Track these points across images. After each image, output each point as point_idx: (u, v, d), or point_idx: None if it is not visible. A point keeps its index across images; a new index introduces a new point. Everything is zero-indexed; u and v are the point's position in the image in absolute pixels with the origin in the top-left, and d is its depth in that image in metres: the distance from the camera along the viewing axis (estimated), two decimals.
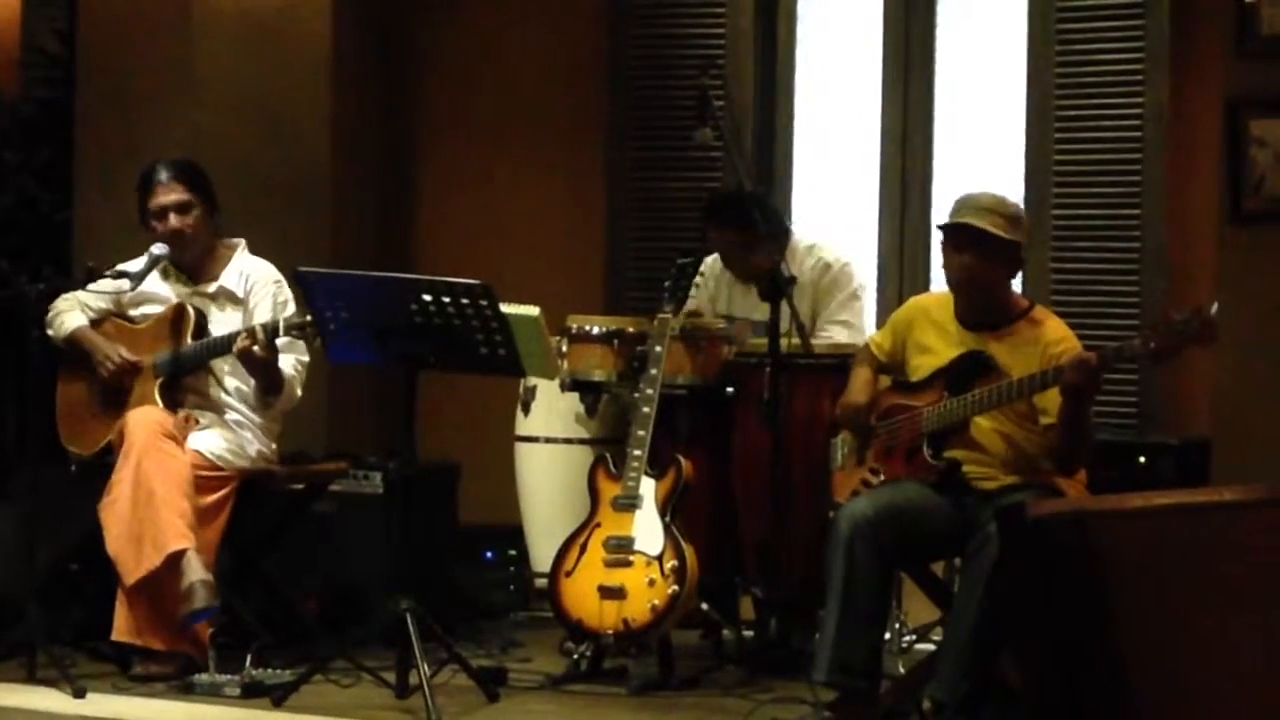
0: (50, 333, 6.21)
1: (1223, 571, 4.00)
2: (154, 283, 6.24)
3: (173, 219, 6.17)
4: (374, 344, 5.75)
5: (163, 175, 6.19)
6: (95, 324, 6.26)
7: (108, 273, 6.13)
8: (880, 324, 6.52)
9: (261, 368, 6.01)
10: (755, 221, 6.24)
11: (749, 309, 6.58)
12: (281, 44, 7.66)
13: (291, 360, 6.14)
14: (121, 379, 6.16)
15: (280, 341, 5.98)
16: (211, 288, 6.25)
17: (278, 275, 6.23)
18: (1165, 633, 3.95)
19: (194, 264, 6.27)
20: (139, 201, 6.23)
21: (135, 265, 6.15)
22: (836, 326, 6.56)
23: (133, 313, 6.29)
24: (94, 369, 6.18)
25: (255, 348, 5.91)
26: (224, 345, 6.04)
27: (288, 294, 6.21)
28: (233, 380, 6.18)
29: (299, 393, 6.20)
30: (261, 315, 6.13)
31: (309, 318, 5.85)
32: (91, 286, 6.17)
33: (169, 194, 6.18)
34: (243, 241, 6.33)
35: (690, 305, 6.42)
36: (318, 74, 7.78)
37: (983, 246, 5.42)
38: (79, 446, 6.23)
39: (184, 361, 6.13)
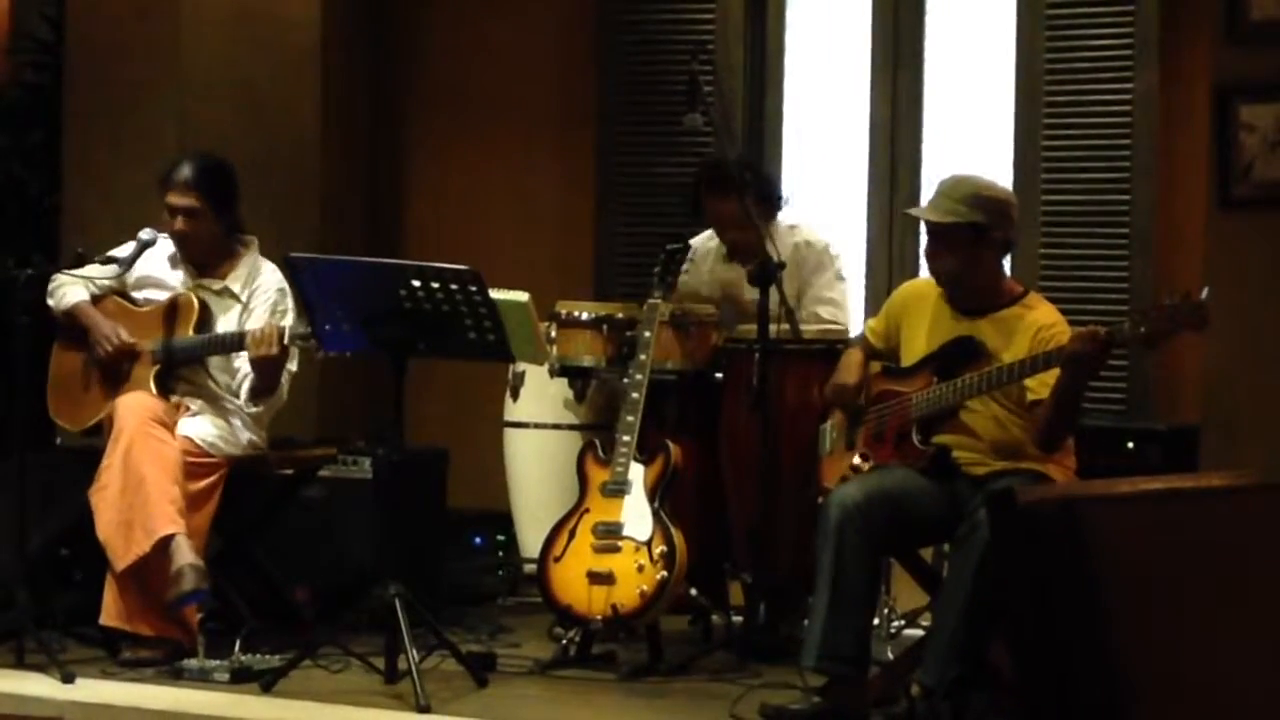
0: (51, 303, 6.23)
1: (1211, 557, 4.02)
2: (163, 269, 6.25)
3: (179, 222, 6.18)
4: (363, 330, 5.74)
5: (180, 176, 6.17)
6: (97, 300, 6.25)
7: (97, 259, 6.17)
8: (869, 311, 6.52)
9: (273, 370, 6.00)
10: (749, 185, 6.25)
11: (743, 288, 6.52)
12: (271, 29, 7.64)
13: None
14: (118, 361, 6.15)
15: None
16: (218, 285, 6.24)
17: (283, 285, 6.20)
18: (1154, 617, 3.96)
19: (202, 259, 6.27)
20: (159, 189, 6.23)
21: (124, 250, 6.18)
22: (825, 306, 6.54)
23: (136, 295, 6.28)
24: (91, 346, 6.18)
25: (274, 350, 5.91)
26: (229, 343, 6.04)
27: (289, 305, 6.20)
28: (221, 371, 6.18)
29: (284, 397, 6.20)
30: (256, 320, 6.12)
31: (310, 328, 5.86)
32: (80, 272, 6.19)
33: (180, 198, 6.16)
34: (255, 240, 6.32)
35: (678, 293, 6.40)
36: (307, 59, 7.76)
37: (936, 235, 5.44)
38: (67, 420, 6.23)
39: (186, 351, 6.12)
